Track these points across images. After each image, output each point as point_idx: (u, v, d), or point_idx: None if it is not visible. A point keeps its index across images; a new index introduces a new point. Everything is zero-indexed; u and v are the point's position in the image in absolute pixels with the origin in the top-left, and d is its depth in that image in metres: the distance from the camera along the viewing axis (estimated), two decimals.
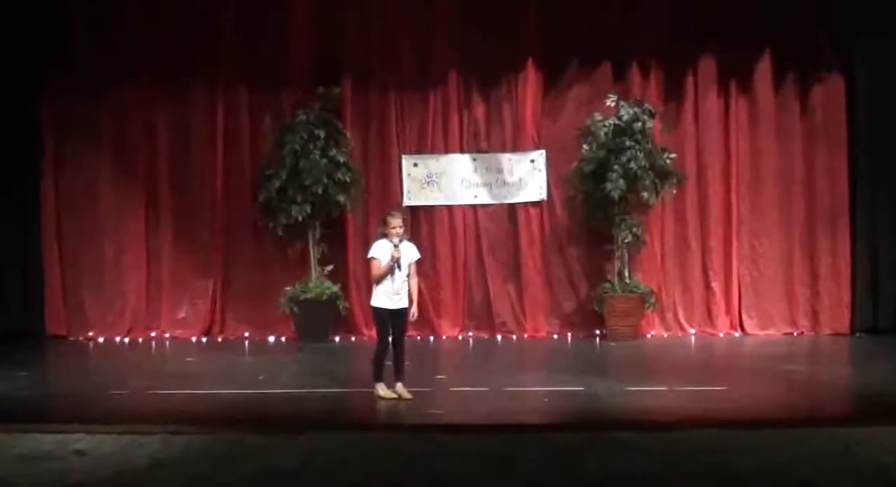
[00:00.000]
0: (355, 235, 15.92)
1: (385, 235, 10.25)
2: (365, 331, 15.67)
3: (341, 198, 15.29)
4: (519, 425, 9.27)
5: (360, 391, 10.95)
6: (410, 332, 14.76)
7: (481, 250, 16.13)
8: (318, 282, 15.31)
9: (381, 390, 10.38)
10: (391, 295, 10.29)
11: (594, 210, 15.28)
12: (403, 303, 10.38)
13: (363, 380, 10.94)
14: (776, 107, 15.82)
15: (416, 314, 10.54)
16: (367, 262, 10.47)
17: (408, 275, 10.41)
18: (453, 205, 16.00)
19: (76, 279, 15.92)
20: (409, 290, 10.43)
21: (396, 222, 10.28)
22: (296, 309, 15.24)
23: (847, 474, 7.63)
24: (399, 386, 10.43)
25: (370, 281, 10.55)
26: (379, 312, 10.31)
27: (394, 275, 10.26)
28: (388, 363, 10.50)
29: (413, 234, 14.95)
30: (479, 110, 16.04)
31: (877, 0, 14.90)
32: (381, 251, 10.27)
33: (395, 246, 10.19)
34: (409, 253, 10.50)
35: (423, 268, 15.21)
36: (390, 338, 10.30)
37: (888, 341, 14.62)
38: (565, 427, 9.05)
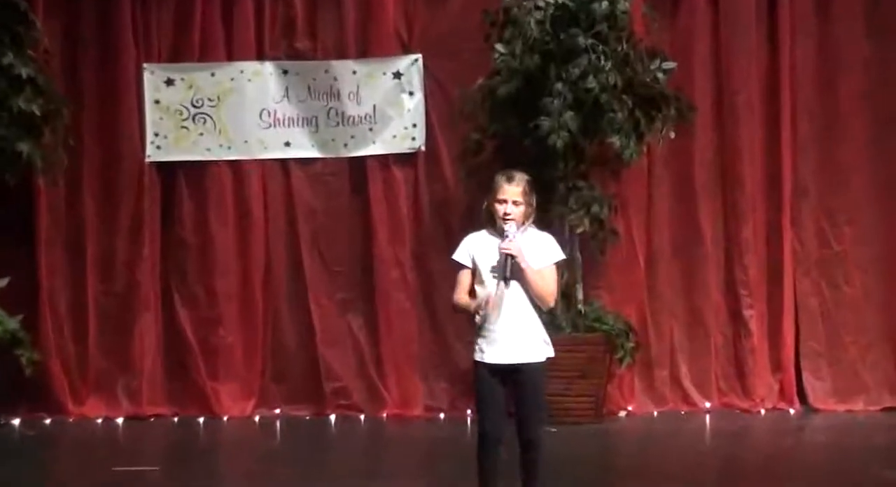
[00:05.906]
0: (54, 219, 15.40)
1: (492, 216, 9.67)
2: (72, 407, 15.20)
3: (24, 147, 14.58)
4: None
5: None
6: (158, 409, 15.40)
7: (298, 248, 15.47)
8: None
9: None
10: (495, 335, 9.11)
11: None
12: (525, 354, 9.05)
13: None
14: None
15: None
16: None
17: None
18: (244, 161, 15.40)
19: None
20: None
21: (511, 190, 9.03)
22: None
23: None
24: None
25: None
26: (476, 372, 9.28)
27: (500, 298, 9.24)
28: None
29: (165, 215, 15.54)
30: None
31: None
32: (473, 249, 9.23)
33: (506, 236, 9.00)
34: (537, 250, 9.17)
35: (192, 290, 15.31)
36: (495, 423, 9.18)
37: None
38: None
